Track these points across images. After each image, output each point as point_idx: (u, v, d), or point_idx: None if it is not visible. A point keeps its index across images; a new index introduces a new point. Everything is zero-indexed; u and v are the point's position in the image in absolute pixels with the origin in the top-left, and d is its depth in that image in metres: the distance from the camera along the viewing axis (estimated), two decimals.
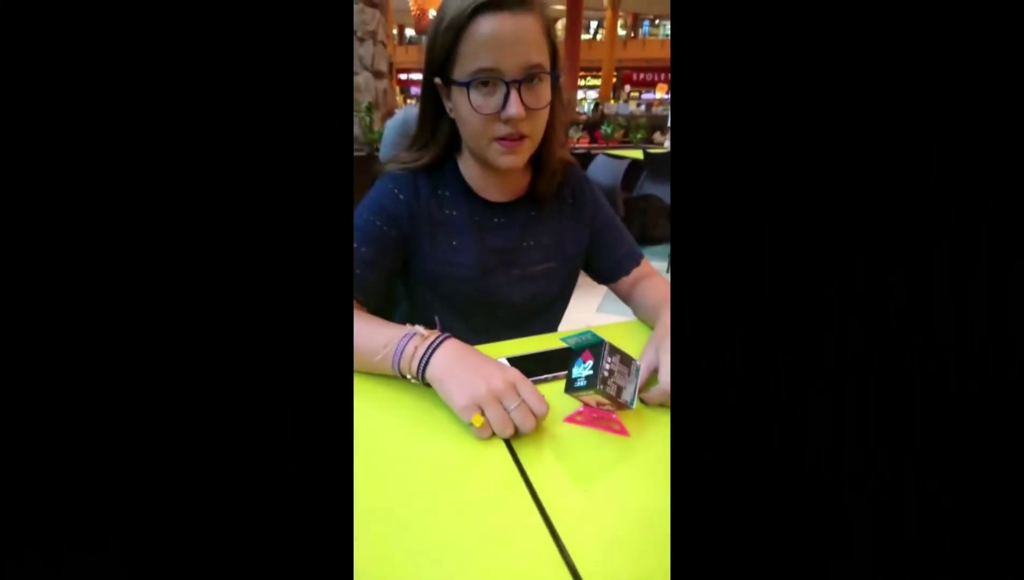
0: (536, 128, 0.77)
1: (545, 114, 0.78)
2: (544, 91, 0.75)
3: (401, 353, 0.65)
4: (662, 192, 4.01)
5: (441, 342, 0.65)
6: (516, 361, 0.71)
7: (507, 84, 0.71)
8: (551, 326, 1.01)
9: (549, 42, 0.75)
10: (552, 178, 0.90)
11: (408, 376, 0.65)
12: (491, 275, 0.88)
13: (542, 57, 0.74)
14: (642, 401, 0.65)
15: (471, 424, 0.58)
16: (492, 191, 0.88)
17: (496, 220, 0.88)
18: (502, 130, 0.74)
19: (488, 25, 0.70)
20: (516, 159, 0.77)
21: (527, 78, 0.72)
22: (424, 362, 0.63)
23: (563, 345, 0.63)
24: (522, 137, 0.75)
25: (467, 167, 0.88)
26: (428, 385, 0.64)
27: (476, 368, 0.61)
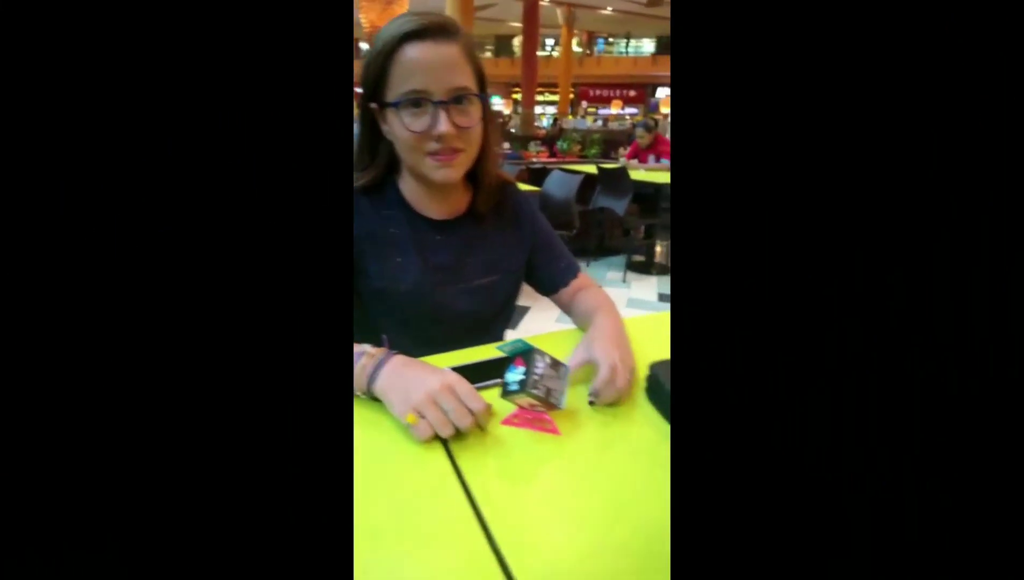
0: (469, 142, 0.81)
1: (477, 130, 0.82)
2: (473, 111, 0.80)
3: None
4: (616, 205, 4.08)
5: (387, 359, 0.69)
6: (459, 370, 0.74)
7: (435, 104, 0.76)
8: (496, 337, 1.04)
9: (474, 68, 0.80)
10: (490, 196, 0.95)
11: (358, 392, 0.69)
12: (435, 290, 0.91)
13: (468, 81, 0.78)
14: (592, 404, 0.70)
15: (408, 425, 0.61)
16: (433, 209, 0.91)
17: (438, 237, 0.92)
18: (434, 146, 0.78)
19: (414, 51, 0.75)
20: (451, 172, 0.81)
21: (455, 99, 0.77)
22: (371, 378, 0.67)
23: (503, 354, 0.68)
24: (455, 151, 0.79)
25: (407, 187, 0.91)
26: (377, 400, 0.68)
27: (415, 376, 0.66)
